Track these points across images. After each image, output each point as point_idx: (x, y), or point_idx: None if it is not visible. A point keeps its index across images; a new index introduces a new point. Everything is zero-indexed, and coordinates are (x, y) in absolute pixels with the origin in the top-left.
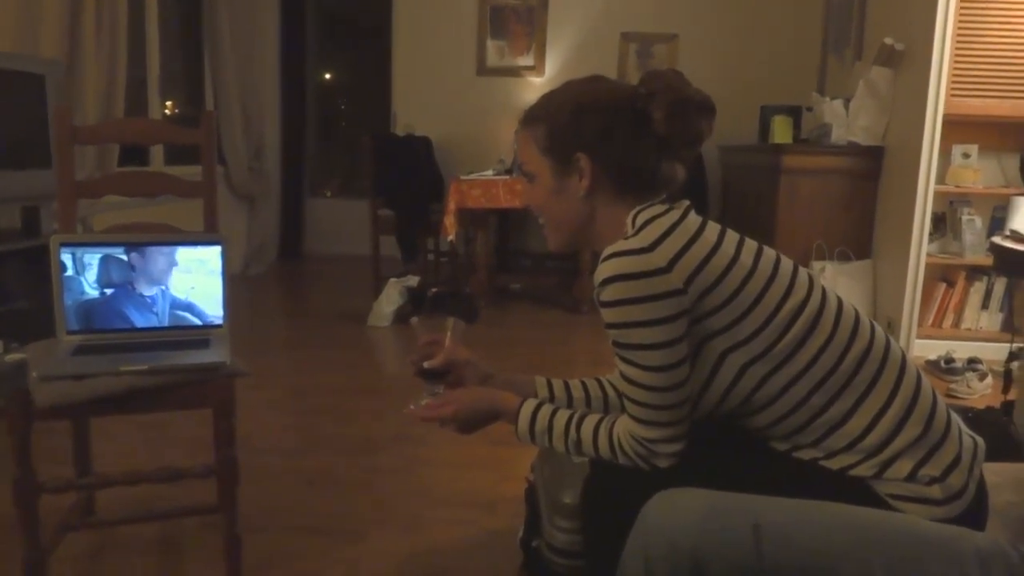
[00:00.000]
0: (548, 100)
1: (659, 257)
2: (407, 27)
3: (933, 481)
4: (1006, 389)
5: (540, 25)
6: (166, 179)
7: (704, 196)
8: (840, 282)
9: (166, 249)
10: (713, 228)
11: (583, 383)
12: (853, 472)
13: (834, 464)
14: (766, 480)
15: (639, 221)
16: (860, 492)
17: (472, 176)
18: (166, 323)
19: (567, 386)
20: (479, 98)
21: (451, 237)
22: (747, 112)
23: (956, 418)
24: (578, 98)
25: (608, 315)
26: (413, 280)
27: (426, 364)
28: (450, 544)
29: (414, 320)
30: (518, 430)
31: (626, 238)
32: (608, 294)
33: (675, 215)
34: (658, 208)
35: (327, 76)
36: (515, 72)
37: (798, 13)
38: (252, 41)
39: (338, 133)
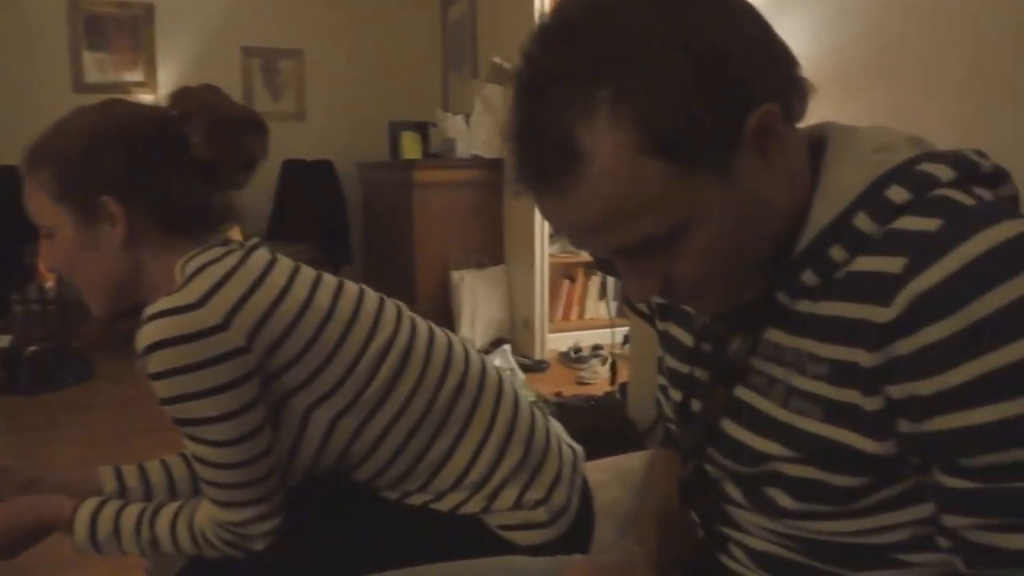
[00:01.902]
0: (53, 136)
1: (211, 313)
2: None
3: (538, 504)
4: (613, 375)
5: (147, 36)
6: None
7: (343, 215)
8: (478, 290)
9: None
10: (283, 269)
11: (164, 463)
12: (463, 510)
13: (444, 505)
14: (377, 535)
15: (188, 270)
16: (473, 529)
17: None
18: None
19: (142, 471)
20: None
21: (50, 283)
22: (377, 128)
23: (556, 430)
24: (91, 130)
25: (159, 389)
26: (4, 340)
27: None
28: None
29: None
30: (75, 540)
31: (170, 293)
32: (155, 364)
33: (233, 259)
34: (213, 252)
35: None
36: (123, 88)
37: (418, 32)
38: None
39: None
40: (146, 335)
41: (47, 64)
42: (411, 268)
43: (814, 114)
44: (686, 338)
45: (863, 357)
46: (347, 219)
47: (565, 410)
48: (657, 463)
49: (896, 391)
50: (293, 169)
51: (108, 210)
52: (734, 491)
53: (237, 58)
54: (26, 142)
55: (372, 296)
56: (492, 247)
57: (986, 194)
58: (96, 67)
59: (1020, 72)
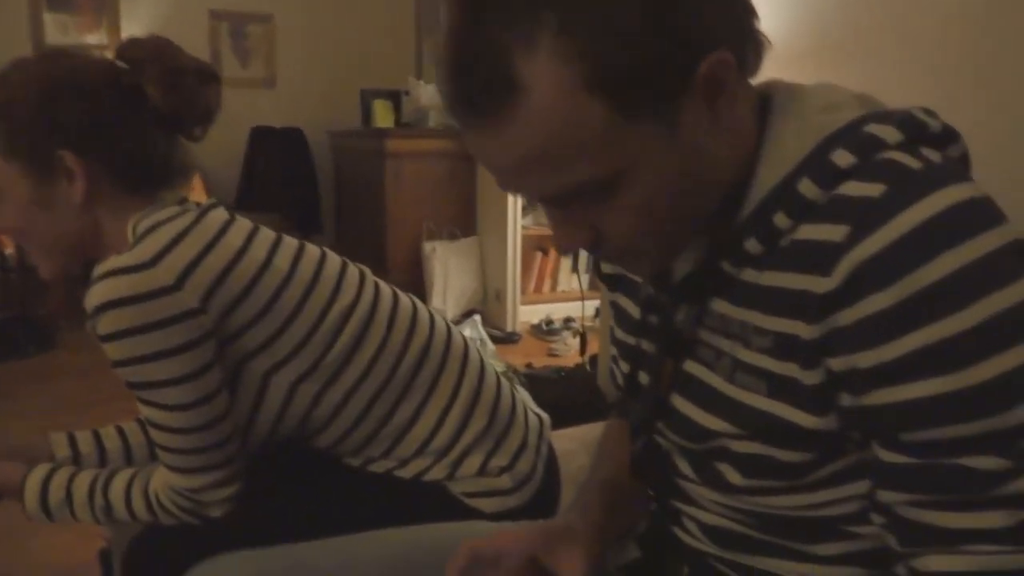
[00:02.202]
0: None
1: (165, 273)
2: None
3: (503, 471)
4: (583, 348)
5: None
6: None
7: (314, 184)
8: (451, 261)
9: None
10: (240, 229)
11: (119, 429)
12: (427, 477)
13: (408, 472)
14: (340, 502)
15: (140, 229)
16: (437, 496)
17: None
18: None
19: (97, 437)
20: None
21: (9, 249)
22: (349, 96)
23: (522, 398)
24: (43, 80)
25: (110, 351)
26: None
27: None
28: None
29: None
30: (26, 507)
31: (120, 253)
32: (105, 325)
33: (188, 218)
34: (167, 212)
35: None
36: (85, 51)
37: None
38: None
39: None
40: (95, 295)
41: (4, 25)
42: (383, 238)
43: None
44: (634, 310)
45: (803, 329)
46: (318, 188)
47: (535, 381)
48: (611, 432)
49: (837, 363)
50: (262, 137)
51: (65, 165)
52: (685, 466)
53: (204, 21)
54: None
55: (334, 259)
56: (465, 218)
57: (934, 155)
58: (58, 28)
59: (983, 47)
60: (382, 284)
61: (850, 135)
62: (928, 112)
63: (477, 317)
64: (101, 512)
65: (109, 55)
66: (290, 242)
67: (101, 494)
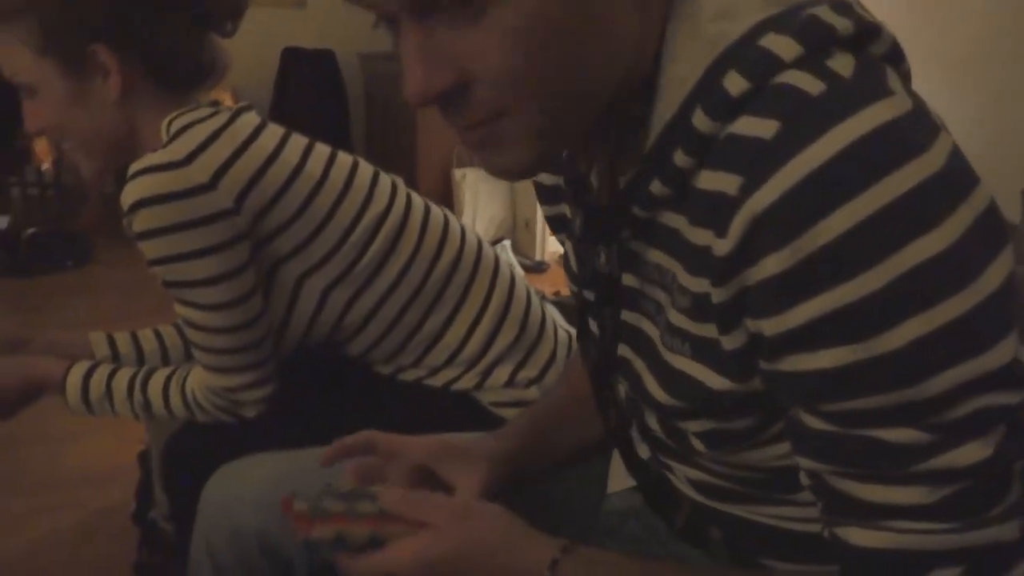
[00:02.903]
0: None
1: (199, 171)
2: None
3: (531, 383)
4: None
5: None
6: None
7: (344, 107)
8: (481, 188)
9: None
10: (273, 133)
11: (156, 332)
12: (456, 386)
13: (437, 381)
14: (370, 409)
15: (174, 128)
16: (465, 406)
17: None
18: None
19: (135, 339)
20: None
21: (46, 165)
22: None
23: (552, 313)
24: None
25: (147, 249)
26: (2, 221)
27: None
28: (53, 537)
29: None
30: (68, 401)
31: (155, 150)
32: (141, 222)
33: (221, 119)
34: (201, 112)
35: None
36: None
37: None
38: None
39: None
40: (131, 192)
41: None
42: (413, 164)
43: None
44: (571, 253)
45: (713, 292)
46: (348, 112)
47: (562, 309)
48: (576, 360)
49: (751, 325)
50: (293, 58)
51: (100, 60)
52: (653, 422)
53: None
54: None
55: (366, 168)
56: None
57: (844, 65)
58: None
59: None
60: (414, 194)
61: (743, 52)
62: (840, 6)
63: (507, 242)
64: (140, 407)
65: None
66: (322, 148)
67: (140, 390)
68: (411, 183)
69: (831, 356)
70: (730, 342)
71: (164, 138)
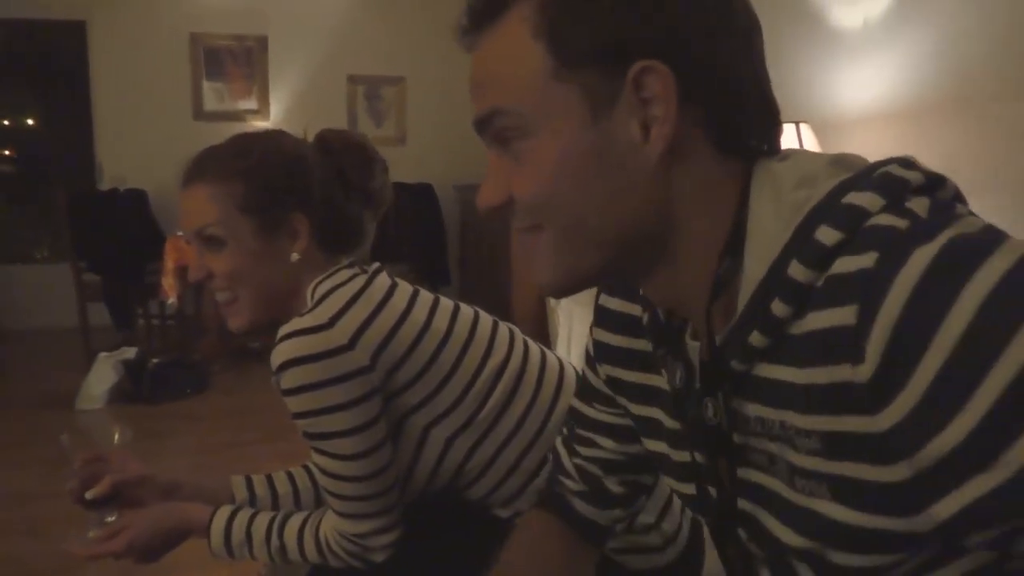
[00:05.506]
0: (238, 153)
1: (340, 333)
2: (107, 69)
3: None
4: None
5: (260, 67)
6: None
7: (442, 236)
8: (575, 311)
9: None
10: (403, 292)
11: (289, 475)
12: None
13: None
14: (491, 553)
15: (318, 293)
16: None
17: None
18: None
19: (270, 482)
20: (199, 145)
21: (172, 299)
22: (475, 151)
23: None
24: (287, 154)
25: (292, 404)
26: (130, 352)
27: (88, 494)
28: None
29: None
30: (211, 545)
31: (302, 314)
32: (288, 381)
33: (358, 283)
34: (341, 275)
35: (5, 124)
36: (238, 116)
37: None
38: None
39: (34, 191)
40: (280, 353)
41: (170, 94)
42: (507, 290)
43: (932, 133)
44: (664, 417)
45: (860, 423)
46: (446, 240)
47: None
48: (531, 523)
49: (921, 457)
50: (395, 192)
51: (294, 226)
52: (765, 574)
53: (343, 85)
54: (152, 166)
55: (486, 319)
56: None
57: (921, 206)
58: (214, 96)
59: None
60: (530, 342)
61: (830, 209)
62: (905, 164)
63: None
64: (276, 552)
65: (261, 120)
66: (446, 303)
67: (277, 536)
68: (505, 308)
69: None
70: (888, 475)
71: (309, 300)
